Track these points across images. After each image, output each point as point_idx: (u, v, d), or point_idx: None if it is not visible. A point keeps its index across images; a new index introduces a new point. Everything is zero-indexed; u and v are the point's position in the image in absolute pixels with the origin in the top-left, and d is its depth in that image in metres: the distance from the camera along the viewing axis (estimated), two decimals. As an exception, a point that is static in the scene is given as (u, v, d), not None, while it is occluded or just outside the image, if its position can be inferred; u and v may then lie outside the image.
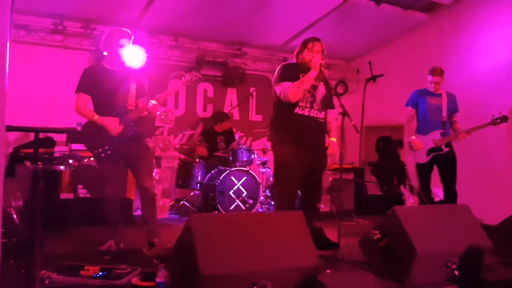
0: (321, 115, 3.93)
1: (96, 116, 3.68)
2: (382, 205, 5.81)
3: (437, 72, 5.09)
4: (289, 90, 3.75)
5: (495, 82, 6.03)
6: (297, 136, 3.82)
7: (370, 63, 7.72)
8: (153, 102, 3.76)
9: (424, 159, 5.07)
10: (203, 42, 7.09)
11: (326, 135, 4.11)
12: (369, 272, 3.24)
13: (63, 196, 5.02)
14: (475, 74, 6.29)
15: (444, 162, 5.03)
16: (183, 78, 3.90)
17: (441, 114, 5.07)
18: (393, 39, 7.49)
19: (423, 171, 5.12)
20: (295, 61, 4.05)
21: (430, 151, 5.04)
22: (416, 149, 5.07)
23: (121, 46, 3.72)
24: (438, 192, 5.31)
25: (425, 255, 2.94)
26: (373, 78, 7.75)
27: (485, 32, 6.24)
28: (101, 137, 3.70)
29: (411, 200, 5.43)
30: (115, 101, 3.75)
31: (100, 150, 3.72)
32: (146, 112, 3.79)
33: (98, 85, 3.73)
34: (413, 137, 5.12)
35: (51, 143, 5.13)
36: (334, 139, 4.12)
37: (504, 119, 4.80)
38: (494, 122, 4.81)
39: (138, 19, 6.24)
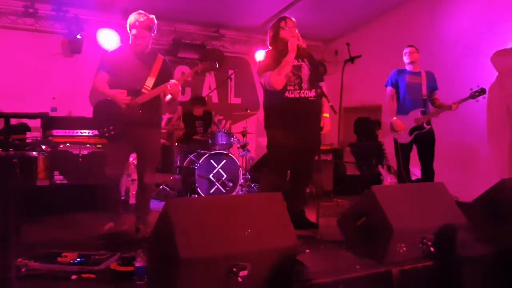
0: (311, 93, 3.95)
1: (106, 89, 3.69)
2: (360, 185, 5.87)
3: (412, 49, 5.10)
4: (272, 79, 3.79)
5: (473, 61, 6.09)
6: (290, 119, 3.85)
7: (348, 44, 7.69)
8: (173, 81, 3.74)
9: (407, 139, 5.07)
10: (180, 24, 6.98)
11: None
12: (347, 251, 3.28)
13: (39, 183, 4.94)
14: (453, 53, 6.35)
15: (424, 141, 5.06)
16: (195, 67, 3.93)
17: (421, 92, 5.08)
18: (370, 20, 7.49)
19: (406, 151, 5.14)
20: (270, 47, 4.03)
21: (412, 130, 5.06)
22: (398, 130, 5.07)
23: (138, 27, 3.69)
24: (415, 171, 5.38)
25: (402, 232, 2.99)
26: (351, 59, 7.72)
27: (463, 13, 6.29)
28: (107, 117, 3.70)
29: (388, 179, 5.49)
30: (129, 82, 3.71)
31: (105, 129, 3.71)
32: (169, 95, 3.78)
33: (117, 65, 3.74)
34: (395, 118, 5.12)
35: (24, 129, 5.02)
36: (327, 115, 4.09)
37: (482, 91, 4.85)
38: (473, 96, 4.86)
39: (112, 0, 6.10)
